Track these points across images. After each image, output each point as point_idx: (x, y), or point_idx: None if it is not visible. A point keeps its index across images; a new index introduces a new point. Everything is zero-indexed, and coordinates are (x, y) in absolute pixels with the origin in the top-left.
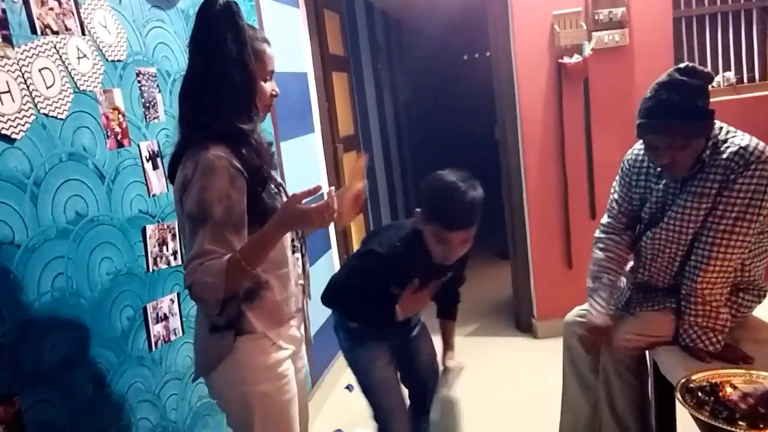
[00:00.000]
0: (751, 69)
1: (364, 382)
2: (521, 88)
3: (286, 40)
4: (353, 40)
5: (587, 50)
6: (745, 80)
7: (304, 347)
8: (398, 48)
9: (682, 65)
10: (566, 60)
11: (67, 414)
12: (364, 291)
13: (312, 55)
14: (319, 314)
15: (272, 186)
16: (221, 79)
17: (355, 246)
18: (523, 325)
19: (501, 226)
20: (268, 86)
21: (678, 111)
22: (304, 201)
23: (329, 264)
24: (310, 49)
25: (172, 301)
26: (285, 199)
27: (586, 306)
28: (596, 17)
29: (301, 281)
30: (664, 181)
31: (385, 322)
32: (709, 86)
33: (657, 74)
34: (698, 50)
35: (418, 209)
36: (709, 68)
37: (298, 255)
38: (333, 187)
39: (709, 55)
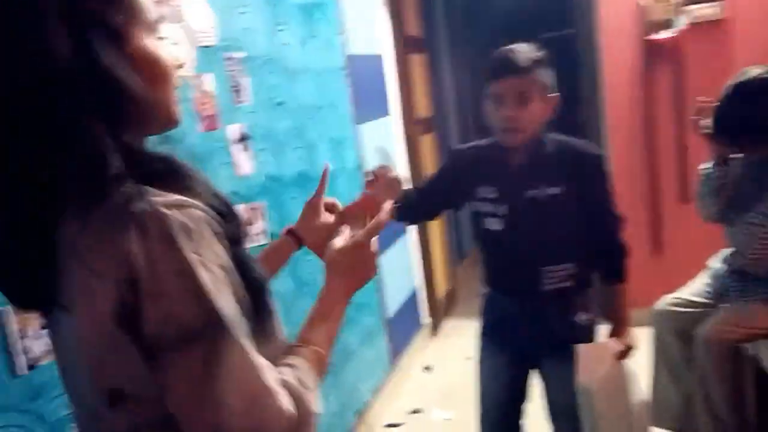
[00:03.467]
0: None
1: None
2: (606, 66)
3: (363, 23)
4: (430, 20)
5: (679, 25)
6: None
7: None
8: (477, 27)
9: (753, 74)
10: (655, 36)
11: None
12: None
13: (388, 37)
14: (396, 296)
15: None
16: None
17: (436, 229)
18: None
19: None
20: (162, 49)
21: (743, 126)
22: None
23: (404, 251)
24: (387, 30)
25: None
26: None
27: (678, 294)
28: None
29: None
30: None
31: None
32: None
33: (758, 50)
34: None
35: None
36: None
37: None
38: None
39: None
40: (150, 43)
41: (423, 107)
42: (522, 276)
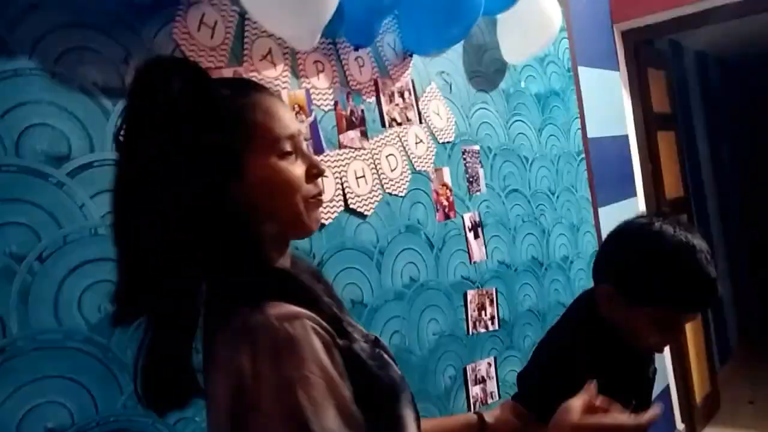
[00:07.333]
0: None
1: None
2: None
3: (605, 104)
4: (682, 94)
5: None
6: None
7: None
8: (739, 97)
9: None
10: None
11: None
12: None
13: (633, 116)
14: None
15: (362, 343)
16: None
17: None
18: None
19: None
20: (296, 169)
21: None
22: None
23: None
24: (632, 109)
25: (489, 364)
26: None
27: None
28: None
29: None
30: None
31: None
32: None
33: None
34: None
35: (604, 286)
36: None
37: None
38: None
39: None
40: (271, 162)
41: (673, 186)
42: None
